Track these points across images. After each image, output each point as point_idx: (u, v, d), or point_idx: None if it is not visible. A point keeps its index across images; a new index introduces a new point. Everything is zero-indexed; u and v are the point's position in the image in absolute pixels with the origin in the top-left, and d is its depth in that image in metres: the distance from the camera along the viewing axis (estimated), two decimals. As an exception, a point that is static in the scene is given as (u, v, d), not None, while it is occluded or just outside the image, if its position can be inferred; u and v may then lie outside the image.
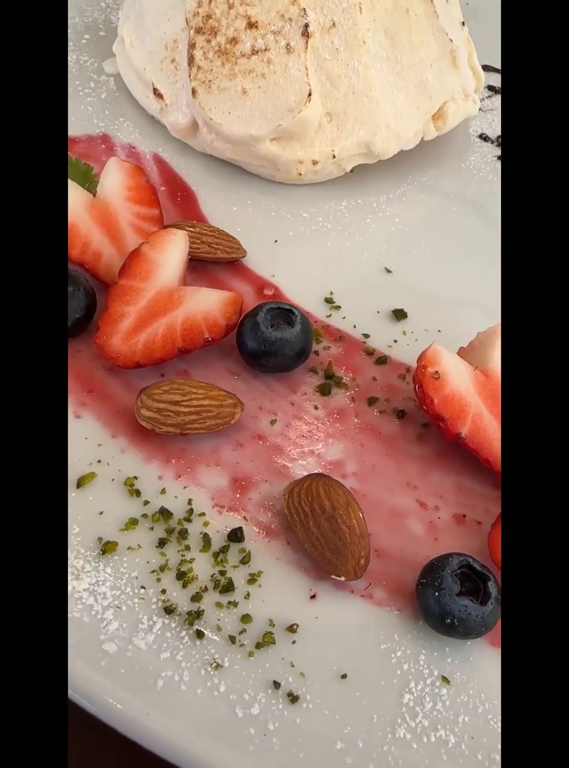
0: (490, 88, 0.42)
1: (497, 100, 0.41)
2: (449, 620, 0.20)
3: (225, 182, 0.33)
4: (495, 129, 0.38)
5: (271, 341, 0.25)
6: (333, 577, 0.21)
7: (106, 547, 0.21)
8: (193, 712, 0.18)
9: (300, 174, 0.31)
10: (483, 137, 0.37)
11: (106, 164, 0.28)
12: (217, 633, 0.20)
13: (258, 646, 0.20)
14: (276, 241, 0.31)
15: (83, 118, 0.35)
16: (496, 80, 0.42)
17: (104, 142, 0.34)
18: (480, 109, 0.38)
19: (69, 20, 0.41)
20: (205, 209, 0.32)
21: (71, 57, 0.38)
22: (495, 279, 0.31)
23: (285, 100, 0.30)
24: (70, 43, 0.39)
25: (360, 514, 0.22)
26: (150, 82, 0.33)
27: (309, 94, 0.29)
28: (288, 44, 0.29)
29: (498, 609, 0.20)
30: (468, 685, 0.20)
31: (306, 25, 0.29)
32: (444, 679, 0.20)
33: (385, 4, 0.30)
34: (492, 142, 0.37)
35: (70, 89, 0.37)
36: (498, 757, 0.19)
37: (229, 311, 0.25)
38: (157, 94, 0.33)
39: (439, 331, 0.28)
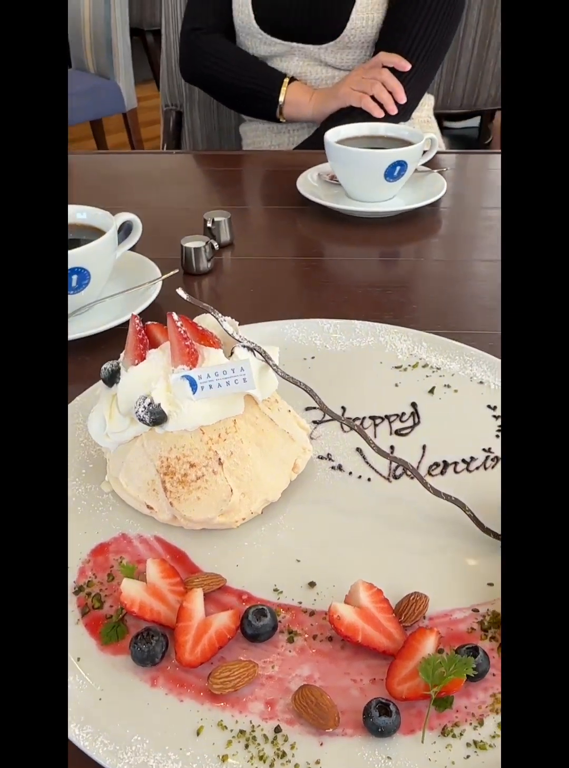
0: (314, 421, 0.73)
1: (320, 429, 0.72)
2: (379, 729, 0.45)
3: (204, 539, 0.60)
4: (326, 451, 0.68)
5: (258, 627, 0.50)
6: (326, 730, 0.45)
7: (223, 758, 0.45)
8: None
9: (238, 523, 0.59)
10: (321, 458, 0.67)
11: (146, 562, 0.54)
12: (286, 777, 0.44)
13: (305, 775, 0.44)
14: (237, 565, 0.57)
15: (105, 527, 0.61)
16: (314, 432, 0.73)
17: (125, 538, 0.60)
18: (312, 439, 0.69)
19: (69, 460, 0.68)
20: (194, 561, 0.58)
21: (81, 488, 0.65)
22: (353, 553, 0.58)
23: (220, 497, 0.57)
24: (76, 479, 0.66)
25: (328, 697, 0.47)
26: (143, 502, 0.60)
27: (231, 490, 0.58)
28: (213, 470, 0.57)
29: (399, 718, 0.45)
30: (402, 757, 0.45)
31: (219, 459, 0.58)
32: (388, 757, 0.44)
33: (251, 432, 0.60)
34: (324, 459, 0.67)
35: (88, 509, 0.63)
36: (420, 781, 0.43)
37: (235, 619, 0.51)
38: (149, 507, 0.60)
39: (334, 585, 0.55)
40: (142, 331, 0.58)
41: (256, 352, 0.59)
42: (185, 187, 1.32)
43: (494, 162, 1.42)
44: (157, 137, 4.56)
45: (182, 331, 0.56)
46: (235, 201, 1.27)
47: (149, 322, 0.60)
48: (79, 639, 0.51)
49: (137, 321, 0.57)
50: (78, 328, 0.81)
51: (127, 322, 0.83)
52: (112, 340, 0.84)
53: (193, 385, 0.55)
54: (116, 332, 0.84)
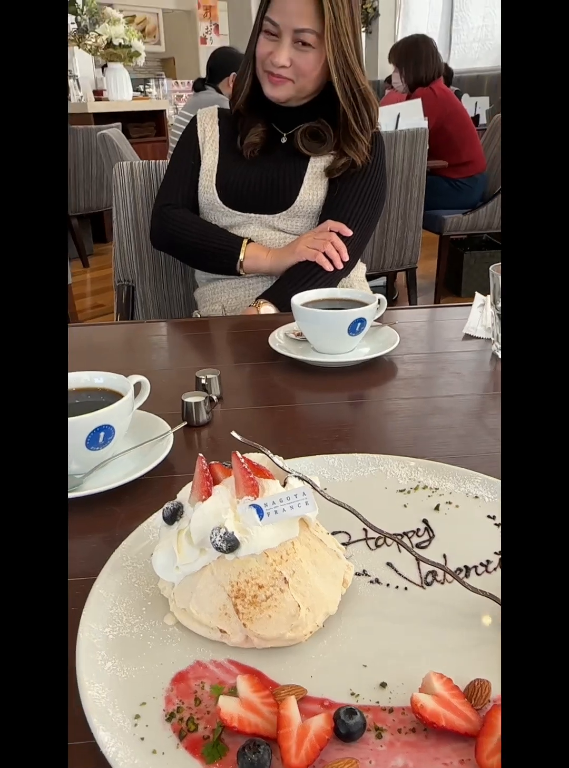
0: (342, 543, 0.81)
1: (350, 549, 0.80)
2: (483, 799, 0.50)
3: (274, 657, 0.64)
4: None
5: (351, 725, 0.55)
6: (435, 809, 0.50)
7: None
8: None
9: (306, 637, 0.65)
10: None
11: (228, 683, 0.59)
12: None
13: None
14: (311, 676, 0.62)
15: (178, 657, 0.65)
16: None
17: (200, 665, 0.64)
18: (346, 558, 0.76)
19: (127, 601, 0.72)
20: (270, 677, 0.62)
21: (146, 624, 0.69)
22: (411, 653, 0.65)
23: (289, 613, 0.64)
24: (138, 617, 0.70)
25: (429, 779, 0.52)
26: (216, 627, 0.65)
27: (299, 606, 0.64)
28: (280, 589, 0.64)
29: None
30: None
31: (284, 578, 0.65)
32: None
33: (306, 552, 0.67)
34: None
35: (158, 643, 0.67)
36: None
37: (328, 721, 0.55)
38: (221, 631, 0.65)
39: (402, 683, 0.61)
40: (208, 470, 0.66)
41: (305, 481, 0.68)
42: (166, 351, 1.44)
43: (421, 315, 1.64)
44: (86, 309, 4.80)
45: (246, 467, 0.64)
46: (214, 360, 1.39)
47: (212, 462, 0.68)
48: (183, 763, 0.54)
49: (203, 462, 0.66)
50: (106, 480, 0.88)
51: (149, 472, 0.91)
52: (134, 489, 0.90)
53: (260, 512, 0.63)
54: (136, 481, 0.91)
